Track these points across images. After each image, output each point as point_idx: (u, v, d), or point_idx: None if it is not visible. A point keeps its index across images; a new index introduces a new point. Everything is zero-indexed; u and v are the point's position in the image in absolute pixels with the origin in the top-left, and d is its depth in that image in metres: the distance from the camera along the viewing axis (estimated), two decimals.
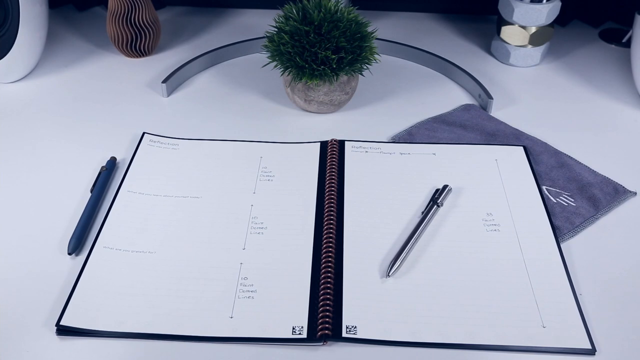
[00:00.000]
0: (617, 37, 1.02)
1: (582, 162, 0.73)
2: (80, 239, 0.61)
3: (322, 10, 0.74)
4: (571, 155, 0.74)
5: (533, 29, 0.90)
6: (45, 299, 0.55)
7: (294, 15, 0.75)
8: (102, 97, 0.85)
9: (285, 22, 0.75)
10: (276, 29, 0.76)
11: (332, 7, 0.75)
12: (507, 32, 0.92)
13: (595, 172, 0.71)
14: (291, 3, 0.76)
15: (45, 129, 0.78)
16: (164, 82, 0.84)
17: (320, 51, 0.73)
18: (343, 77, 0.77)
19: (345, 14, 0.75)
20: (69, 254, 0.59)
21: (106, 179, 0.69)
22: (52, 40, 0.98)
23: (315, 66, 0.73)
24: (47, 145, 0.75)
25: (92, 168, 0.71)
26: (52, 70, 0.91)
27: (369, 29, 0.77)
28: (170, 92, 0.86)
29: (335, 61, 0.73)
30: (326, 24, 0.73)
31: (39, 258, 0.60)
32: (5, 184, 0.69)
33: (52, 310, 0.54)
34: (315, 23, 0.73)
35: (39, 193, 0.68)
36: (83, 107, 0.82)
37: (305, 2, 0.75)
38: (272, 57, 0.76)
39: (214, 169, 0.71)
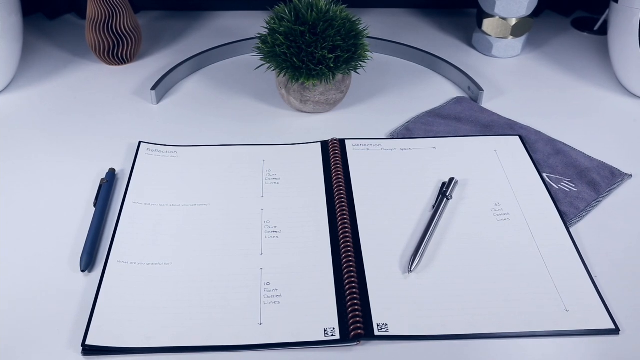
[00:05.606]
0: (589, 25, 1.05)
1: (575, 148, 0.75)
2: (92, 255, 0.59)
3: (315, 9, 0.74)
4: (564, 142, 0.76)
5: (514, 21, 0.92)
6: (64, 319, 0.53)
7: (287, 15, 0.74)
8: (89, 107, 0.82)
9: (278, 23, 0.74)
10: (268, 30, 0.75)
11: (324, 7, 0.74)
12: (488, 24, 0.94)
13: (591, 157, 0.73)
14: (282, 4, 0.76)
15: (35, 143, 0.75)
16: (153, 88, 0.82)
17: (317, 51, 0.72)
18: (338, 76, 0.77)
19: (338, 12, 0.75)
20: (82, 271, 0.58)
21: (108, 191, 0.67)
22: (26, 50, 0.95)
23: (312, 66, 0.73)
24: (41, 160, 0.72)
25: (90, 181, 0.69)
26: (31, 82, 0.88)
27: (360, 27, 0.77)
28: (159, 99, 0.84)
29: (332, 60, 0.73)
30: (321, 23, 0.73)
31: (51, 277, 0.57)
32: (2, 203, 0.66)
33: (74, 330, 0.52)
34: (310, 23, 0.73)
35: (39, 210, 0.65)
36: (71, 119, 0.80)
37: (297, 2, 0.75)
38: (266, 59, 0.76)
39: (218, 175, 0.70)
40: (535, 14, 1.07)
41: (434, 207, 0.65)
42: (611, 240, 0.63)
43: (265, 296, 0.56)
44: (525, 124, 0.79)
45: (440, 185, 0.68)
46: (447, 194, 0.66)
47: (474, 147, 0.74)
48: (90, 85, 0.87)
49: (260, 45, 0.76)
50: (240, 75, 0.90)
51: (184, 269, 0.58)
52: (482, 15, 0.94)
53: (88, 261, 0.58)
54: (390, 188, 0.68)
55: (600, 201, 0.67)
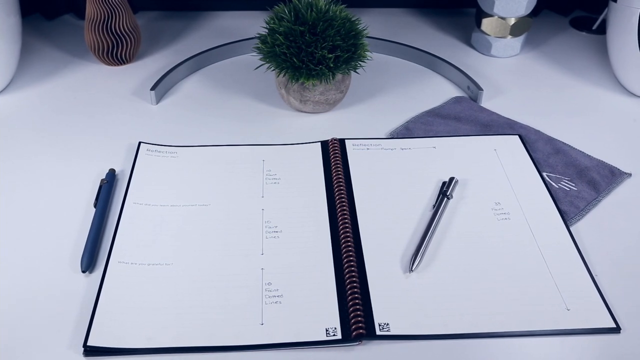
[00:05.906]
0: (587, 25, 1.05)
1: (574, 147, 0.75)
2: (92, 256, 0.59)
3: (314, 9, 0.74)
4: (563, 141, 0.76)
5: (513, 20, 0.92)
6: (65, 320, 0.53)
7: (286, 15, 0.74)
8: (89, 108, 0.82)
9: (278, 23, 0.74)
10: (268, 30, 0.75)
11: (324, 6, 0.74)
12: (487, 24, 0.94)
13: (590, 156, 0.73)
14: (282, 4, 0.76)
15: (35, 144, 0.75)
16: (152, 89, 0.82)
17: (316, 51, 0.72)
18: (338, 76, 0.77)
19: (338, 12, 0.75)
20: (83, 271, 0.58)
21: (108, 192, 0.67)
22: (24, 51, 0.95)
23: (312, 66, 0.73)
24: (41, 160, 0.72)
25: (90, 181, 0.69)
26: (30, 83, 0.88)
27: (360, 27, 0.77)
28: (159, 99, 0.84)
29: (332, 60, 0.73)
30: (321, 23, 0.73)
31: (52, 278, 0.57)
32: (2, 203, 0.66)
33: (75, 331, 0.52)
34: (309, 23, 0.73)
35: (39, 211, 0.65)
36: (71, 119, 0.80)
37: (296, 2, 0.75)
38: (266, 59, 0.76)
39: (218, 175, 0.70)
40: (534, 13, 1.07)
41: (434, 206, 0.65)
42: (611, 239, 0.63)
43: (267, 296, 0.56)
44: (524, 123, 0.79)
45: (440, 184, 0.68)
46: (448, 194, 0.66)
47: (473, 146, 0.74)
48: (90, 86, 0.87)
49: (259, 45, 0.76)
50: (240, 75, 0.90)
51: (185, 270, 0.58)
52: (481, 14, 0.94)
53: (89, 262, 0.58)
54: (391, 188, 0.68)
55: (600, 200, 0.67)
